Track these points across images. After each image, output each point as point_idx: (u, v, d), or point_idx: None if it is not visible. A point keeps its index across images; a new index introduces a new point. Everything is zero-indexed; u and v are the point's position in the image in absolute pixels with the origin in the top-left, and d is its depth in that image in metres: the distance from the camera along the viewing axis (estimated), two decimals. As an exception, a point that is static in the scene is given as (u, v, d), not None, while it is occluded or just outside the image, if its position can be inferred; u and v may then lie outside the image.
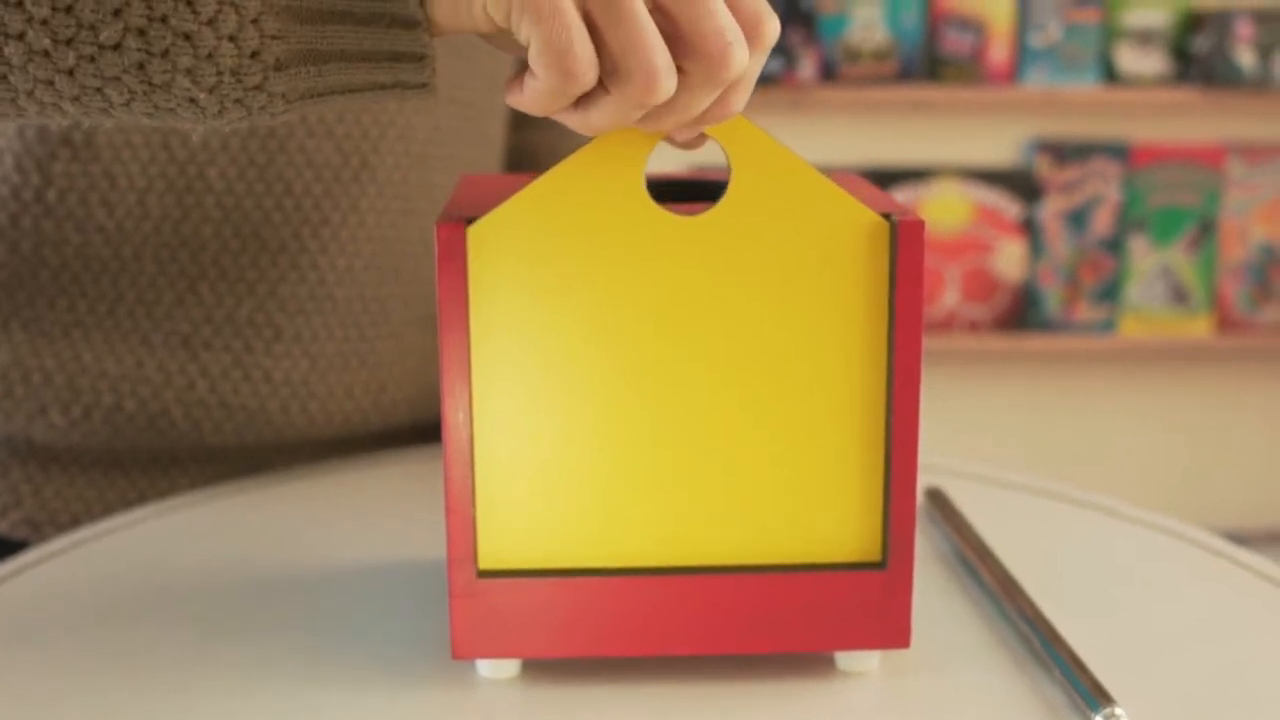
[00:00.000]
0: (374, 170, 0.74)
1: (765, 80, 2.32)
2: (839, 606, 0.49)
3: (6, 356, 0.73)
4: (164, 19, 0.46)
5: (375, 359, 0.76)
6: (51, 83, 0.48)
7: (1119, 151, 2.40)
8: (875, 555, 0.49)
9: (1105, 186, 2.41)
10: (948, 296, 2.44)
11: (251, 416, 0.74)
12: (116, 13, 0.46)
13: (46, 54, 0.47)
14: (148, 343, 0.72)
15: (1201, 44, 2.36)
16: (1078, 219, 2.41)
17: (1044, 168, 2.40)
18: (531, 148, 0.92)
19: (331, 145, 0.73)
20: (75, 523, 0.74)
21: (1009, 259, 2.43)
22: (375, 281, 0.75)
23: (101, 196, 0.71)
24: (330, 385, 0.75)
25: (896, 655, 0.52)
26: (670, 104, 0.45)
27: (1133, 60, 2.39)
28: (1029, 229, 2.42)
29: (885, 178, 2.40)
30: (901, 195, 2.40)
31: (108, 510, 0.75)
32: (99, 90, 0.47)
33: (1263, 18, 2.35)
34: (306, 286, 0.73)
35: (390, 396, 0.78)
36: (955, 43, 2.36)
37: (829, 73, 2.36)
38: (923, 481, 0.71)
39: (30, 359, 0.73)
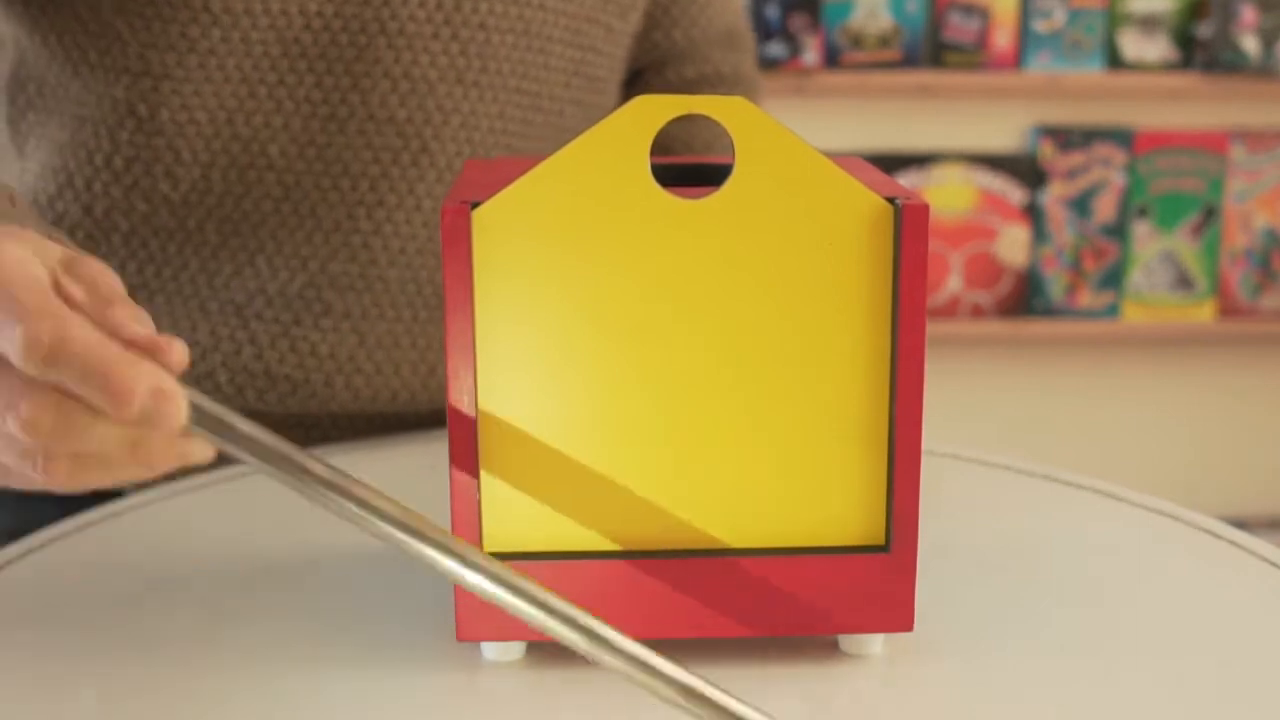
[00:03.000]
0: (433, 156, 0.75)
1: (770, 65, 2.31)
2: (843, 590, 0.49)
3: None
4: None
5: (426, 341, 0.78)
6: None
7: (1123, 137, 2.39)
8: (879, 539, 0.49)
9: (1109, 172, 2.41)
10: (951, 282, 2.44)
11: (295, 387, 0.76)
12: None
13: None
14: (205, 309, 0.75)
15: (1205, 30, 2.35)
16: (1081, 205, 2.41)
17: (1048, 153, 2.40)
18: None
19: (393, 130, 0.74)
20: None
21: (1012, 244, 2.42)
22: (431, 266, 0.76)
23: (166, 169, 0.73)
24: (378, 362, 0.76)
25: (900, 638, 0.52)
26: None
27: (1137, 46, 2.38)
28: (1032, 215, 2.41)
29: (889, 163, 2.40)
30: (905, 180, 2.40)
31: None
32: None
33: (1266, 4, 2.35)
34: (357, 266, 0.75)
35: (439, 378, 0.79)
36: (959, 28, 2.35)
37: (833, 58, 2.35)
38: (925, 465, 0.71)
39: None
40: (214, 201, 0.74)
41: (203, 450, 0.43)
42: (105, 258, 0.75)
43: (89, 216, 0.75)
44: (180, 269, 0.75)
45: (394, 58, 0.74)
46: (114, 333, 0.42)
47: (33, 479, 0.44)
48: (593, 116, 0.84)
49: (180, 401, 0.41)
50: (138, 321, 0.43)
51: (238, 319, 0.75)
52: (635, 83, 0.93)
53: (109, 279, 0.44)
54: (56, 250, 0.45)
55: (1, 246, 0.43)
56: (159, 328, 0.76)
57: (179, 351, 0.43)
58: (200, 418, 0.42)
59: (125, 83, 0.73)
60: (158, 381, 0.41)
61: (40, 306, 0.41)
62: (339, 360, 0.76)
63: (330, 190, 0.74)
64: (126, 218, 0.75)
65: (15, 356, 0.41)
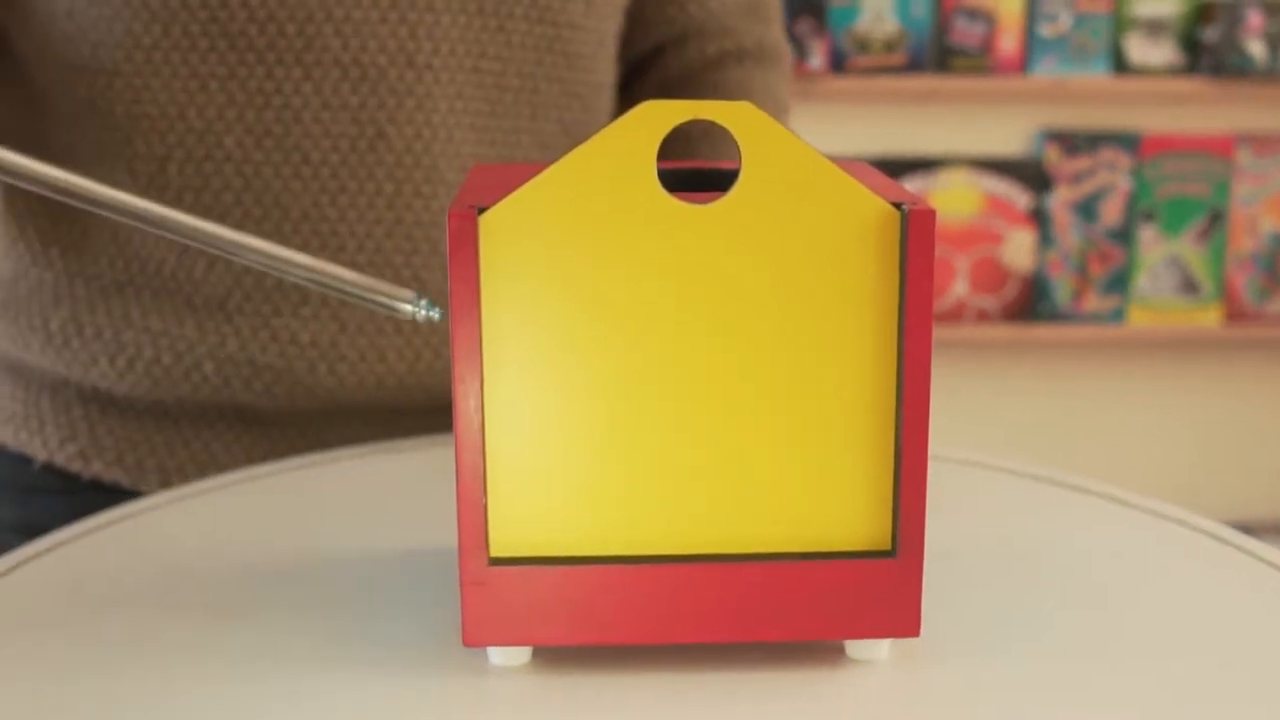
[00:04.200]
0: (390, 140, 0.75)
1: (774, 70, 2.32)
2: (849, 595, 0.49)
3: (66, 311, 0.77)
4: None
5: (411, 325, 0.77)
6: None
7: (1129, 142, 2.39)
8: (885, 544, 0.49)
9: (1115, 177, 2.41)
10: (957, 286, 2.44)
11: (279, 375, 0.76)
12: None
13: None
14: (190, 303, 0.76)
15: (1211, 34, 2.35)
16: (1087, 209, 2.41)
17: (1053, 158, 2.40)
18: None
19: (347, 116, 0.74)
20: (120, 459, 0.77)
21: (1018, 249, 2.42)
22: (405, 250, 0.76)
23: (126, 163, 0.74)
24: (361, 349, 0.77)
25: (906, 644, 0.52)
26: None
27: (1142, 50, 2.38)
28: (1038, 219, 2.41)
29: (895, 168, 2.40)
30: (911, 185, 2.40)
31: (152, 451, 0.78)
32: None
33: (1273, 8, 2.35)
34: (328, 253, 0.75)
35: (428, 364, 0.79)
36: (965, 33, 2.35)
37: (838, 62, 2.35)
38: (931, 469, 0.71)
39: (85, 314, 0.77)
40: (173, 195, 0.75)
41: None
42: (95, 255, 0.76)
43: (67, 214, 0.77)
44: (160, 264, 0.77)
45: (341, 45, 0.74)
46: None
47: None
48: (578, 93, 0.83)
49: None
50: None
51: (221, 313, 0.76)
52: (656, 59, 0.91)
53: None
54: None
55: None
56: (149, 324, 0.78)
57: None
58: None
59: (86, 80, 0.75)
60: None
61: None
62: (321, 347, 0.76)
63: (292, 179, 0.74)
64: (104, 216, 0.77)
65: None
